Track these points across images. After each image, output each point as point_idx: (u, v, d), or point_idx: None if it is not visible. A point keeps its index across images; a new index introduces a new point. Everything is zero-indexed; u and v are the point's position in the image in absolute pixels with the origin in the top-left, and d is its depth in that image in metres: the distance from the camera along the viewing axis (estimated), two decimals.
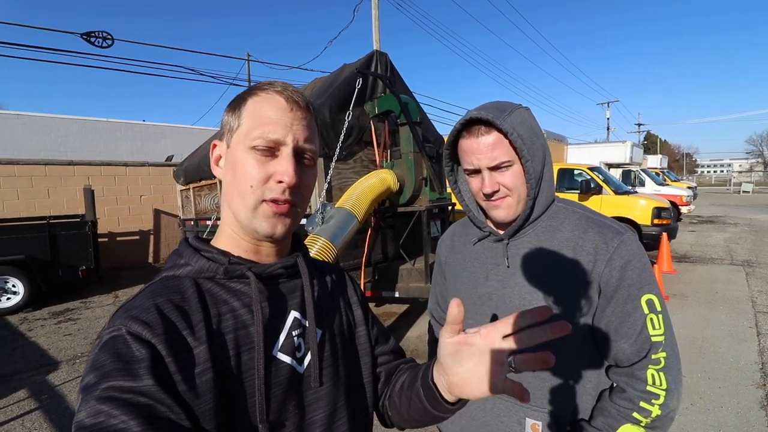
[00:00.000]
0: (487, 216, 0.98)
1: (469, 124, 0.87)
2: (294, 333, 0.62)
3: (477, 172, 0.89)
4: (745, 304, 5.12)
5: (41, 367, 4.14)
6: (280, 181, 0.59)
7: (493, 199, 0.89)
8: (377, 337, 0.80)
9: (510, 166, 0.86)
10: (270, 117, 0.59)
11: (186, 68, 9.29)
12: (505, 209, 0.89)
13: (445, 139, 4.83)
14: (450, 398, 0.59)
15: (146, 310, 0.53)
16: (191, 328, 0.54)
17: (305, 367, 0.62)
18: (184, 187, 7.01)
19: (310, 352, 0.63)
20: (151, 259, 10.28)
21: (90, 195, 7.29)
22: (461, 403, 0.61)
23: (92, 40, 7.20)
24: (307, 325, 0.64)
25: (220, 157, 0.65)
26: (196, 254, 0.61)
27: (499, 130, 0.84)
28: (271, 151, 0.59)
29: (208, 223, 5.68)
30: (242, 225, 0.61)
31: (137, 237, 10.06)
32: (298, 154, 0.61)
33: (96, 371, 0.47)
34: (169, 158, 11.76)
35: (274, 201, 0.59)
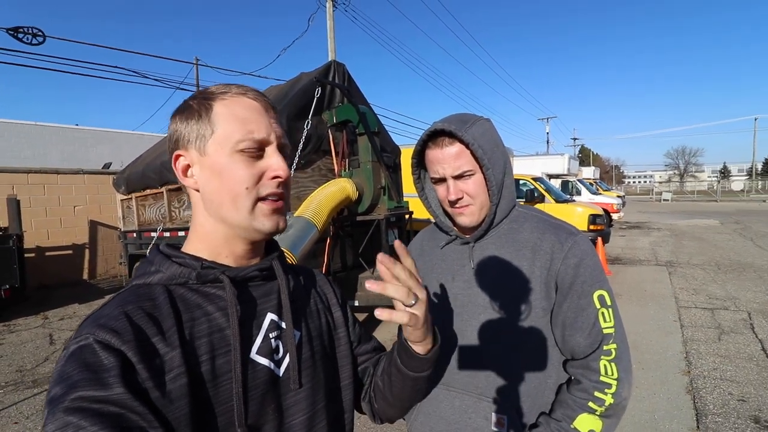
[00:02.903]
0: (453, 221, 1.03)
1: (435, 135, 0.92)
2: (271, 335, 0.62)
3: (443, 180, 0.94)
4: (669, 300, 5.68)
5: None
6: (275, 177, 0.60)
7: (457, 206, 0.95)
8: (359, 338, 0.82)
9: (472, 174, 0.91)
10: (248, 118, 0.60)
11: (128, 70, 8.78)
12: (468, 216, 0.95)
13: (402, 150, 4.95)
14: (420, 349, 0.66)
15: (115, 318, 0.51)
16: (162, 333, 0.53)
17: (283, 369, 0.62)
18: (125, 197, 6.56)
19: (288, 354, 0.63)
20: (86, 276, 9.42)
21: (15, 205, 6.60)
22: (434, 351, 0.68)
23: (20, 36, 6.60)
24: (285, 326, 0.64)
25: (189, 166, 0.62)
26: (167, 260, 0.60)
27: (462, 141, 0.89)
28: (257, 151, 0.60)
29: (153, 234, 5.36)
30: (237, 228, 0.61)
31: (70, 251, 9.20)
32: (280, 149, 0.63)
33: (63, 383, 0.46)
34: (107, 165, 10.93)
35: (270, 197, 0.60)
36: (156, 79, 9.45)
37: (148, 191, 5.79)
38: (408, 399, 0.74)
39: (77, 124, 14.89)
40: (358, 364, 0.80)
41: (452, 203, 0.94)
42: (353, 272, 4.59)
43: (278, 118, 0.65)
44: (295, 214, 3.58)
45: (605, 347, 0.89)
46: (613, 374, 0.88)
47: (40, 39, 6.96)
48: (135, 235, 6.26)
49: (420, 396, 0.75)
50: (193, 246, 0.63)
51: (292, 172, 3.86)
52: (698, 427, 2.77)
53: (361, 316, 5.54)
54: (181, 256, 0.61)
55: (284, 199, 0.63)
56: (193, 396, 0.52)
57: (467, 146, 0.89)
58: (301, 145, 3.94)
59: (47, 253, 8.83)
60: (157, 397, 0.49)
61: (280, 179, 0.60)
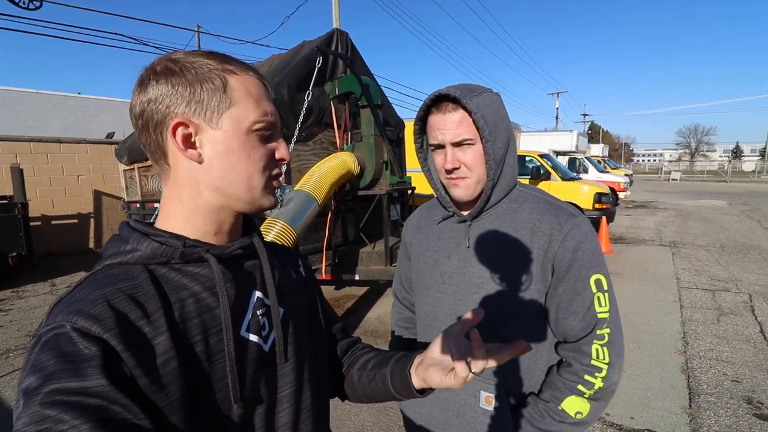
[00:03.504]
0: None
1: (439, 101, 0.90)
2: (258, 312, 0.63)
3: (441, 147, 0.92)
4: (670, 281, 5.67)
5: None
6: (282, 159, 0.64)
7: (453, 176, 0.92)
8: (330, 317, 0.84)
9: (472, 144, 0.89)
10: (262, 98, 0.61)
11: (128, 37, 8.57)
12: (463, 189, 0.93)
13: (406, 124, 4.85)
14: (419, 386, 0.67)
15: (93, 303, 0.48)
16: (148, 317, 0.51)
17: (270, 344, 0.64)
18: (128, 167, 6.55)
19: (274, 330, 0.64)
20: (92, 245, 9.56)
21: (18, 174, 6.63)
22: (427, 392, 0.69)
23: (17, 0, 6.42)
24: (270, 303, 0.65)
25: (190, 135, 0.57)
26: (146, 238, 0.57)
27: (465, 109, 0.86)
28: (268, 131, 0.62)
29: (156, 206, 5.37)
30: (242, 204, 0.61)
31: (76, 220, 9.30)
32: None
33: (37, 373, 0.43)
34: (110, 135, 10.88)
35: (277, 177, 0.64)
36: (156, 47, 9.23)
37: (149, 162, 5.75)
38: (378, 401, 0.79)
39: (79, 93, 14.76)
40: (332, 342, 0.83)
41: (448, 172, 0.92)
42: (354, 246, 4.59)
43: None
44: (295, 188, 3.55)
45: (599, 331, 0.89)
46: (604, 359, 0.89)
47: (38, 3, 6.77)
48: (138, 205, 6.28)
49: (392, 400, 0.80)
50: (174, 223, 0.60)
51: (293, 145, 3.80)
52: (690, 405, 2.81)
53: (360, 290, 5.60)
54: (160, 234, 0.58)
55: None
56: (186, 378, 0.51)
57: (470, 114, 0.86)
58: (301, 117, 3.86)
59: (53, 222, 8.92)
60: (146, 384, 0.48)
61: (284, 161, 0.64)
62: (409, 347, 1.18)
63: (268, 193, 0.63)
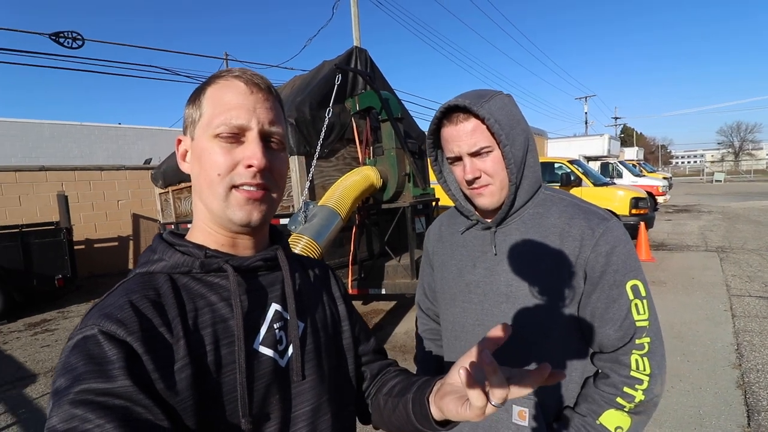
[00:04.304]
0: (473, 205, 0.98)
1: (449, 112, 0.88)
2: (275, 326, 0.61)
3: (459, 159, 0.89)
4: (719, 289, 5.29)
5: (18, 380, 3.99)
6: (250, 165, 0.57)
7: (475, 186, 0.89)
8: (359, 335, 0.79)
9: (490, 151, 0.86)
10: (231, 102, 0.57)
11: (161, 68, 9.06)
12: (488, 196, 0.90)
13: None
14: (439, 417, 0.58)
15: (120, 308, 0.51)
16: (168, 324, 0.52)
17: (287, 360, 0.61)
18: (162, 191, 6.85)
19: (291, 345, 0.62)
20: (131, 265, 10.01)
21: (64, 201, 7.05)
22: (450, 426, 0.60)
23: (61, 40, 6.95)
24: (288, 317, 0.63)
25: (186, 151, 0.62)
26: (170, 249, 0.59)
27: (477, 116, 0.84)
28: (236, 137, 0.57)
29: (189, 226, 5.56)
30: (216, 217, 0.60)
31: (116, 243, 9.78)
32: (264, 137, 0.60)
33: (67, 374, 0.46)
34: (147, 161, 11.47)
35: (245, 187, 0.57)
36: (187, 76, 9.71)
37: (182, 184, 6.00)
38: (405, 430, 0.70)
39: (120, 123, 15.70)
40: (361, 363, 0.79)
41: (469, 183, 0.89)
42: (379, 260, 4.56)
43: (276, 102, 0.62)
44: (318, 203, 3.58)
45: (638, 341, 0.83)
46: (645, 369, 0.83)
47: (80, 42, 7.30)
48: (173, 227, 6.54)
49: None
50: (194, 234, 0.63)
51: (315, 161, 3.85)
52: (749, 424, 2.56)
53: (388, 305, 5.54)
54: (184, 244, 0.60)
55: (266, 189, 0.59)
56: (198, 387, 0.52)
57: (483, 121, 0.83)
58: (323, 134, 3.92)
59: (95, 245, 9.43)
60: (163, 389, 0.49)
61: (253, 168, 0.57)
62: (435, 360, 1.14)
63: (235, 204, 0.58)
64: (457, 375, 0.53)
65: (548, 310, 0.86)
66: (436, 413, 0.59)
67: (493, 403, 0.46)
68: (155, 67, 8.93)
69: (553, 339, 0.88)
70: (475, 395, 0.46)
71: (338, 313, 0.75)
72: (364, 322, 0.83)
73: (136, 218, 10.09)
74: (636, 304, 0.83)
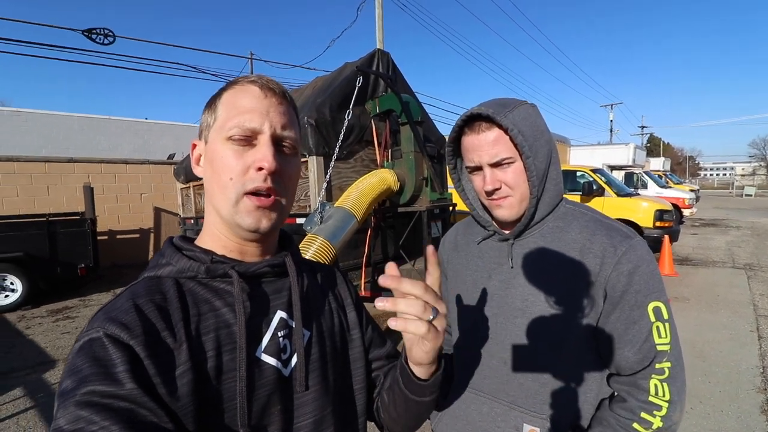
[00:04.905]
0: (491, 215, 0.96)
1: (471, 120, 0.86)
2: (280, 334, 0.60)
3: (479, 169, 0.87)
4: (746, 308, 5.08)
5: (38, 365, 4.12)
6: (260, 168, 0.56)
7: (494, 197, 0.88)
8: (372, 341, 0.78)
9: (511, 163, 0.84)
10: (245, 106, 0.58)
11: (187, 66, 9.27)
12: (507, 208, 0.88)
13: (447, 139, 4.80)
14: (420, 374, 0.62)
15: (126, 312, 0.51)
16: (171, 329, 0.52)
17: (290, 369, 0.60)
18: (184, 186, 7.00)
19: (296, 354, 0.61)
20: (151, 257, 10.24)
21: (89, 192, 7.27)
22: (434, 378, 0.64)
23: (93, 36, 7.18)
24: (294, 325, 0.62)
25: (200, 156, 0.63)
26: (178, 253, 0.60)
27: (500, 126, 0.82)
28: (248, 140, 0.58)
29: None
30: (225, 221, 0.60)
31: (137, 235, 10.05)
32: (276, 141, 0.59)
33: (74, 376, 0.46)
34: (171, 156, 11.74)
35: (257, 192, 0.57)
36: (213, 74, 9.92)
37: (203, 181, 6.10)
38: (413, 419, 0.71)
39: (146, 118, 16.13)
40: (372, 369, 0.77)
41: (489, 194, 0.87)
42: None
43: (290, 107, 0.62)
44: (335, 205, 3.59)
45: (657, 365, 0.80)
46: (664, 395, 0.80)
47: (111, 39, 7.52)
48: (193, 221, 6.67)
49: (425, 417, 0.72)
50: (204, 239, 0.63)
51: (333, 162, 3.86)
52: None
53: None
54: (192, 249, 0.61)
55: (276, 195, 0.59)
56: (198, 393, 0.51)
57: (506, 132, 0.81)
58: (342, 136, 3.93)
59: (118, 236, 9.70)
60: (165, 393, 0.49)
61: (264, 171, 0.57)
62: (445, 368, 1.11)
63: (244, 210, 0.57)
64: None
65: (564, 327, 0.84)
66: (417, 371, 0.63)
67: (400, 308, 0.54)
68: (182, 64, 9.15)
69: (568, 357, 0.85)
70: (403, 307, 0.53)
71: (347, 321, 0.74)
72: (378, 327, 0.82)
73: (158, 212, 10.33)
74: (657, 327, 0.81)
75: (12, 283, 6.28)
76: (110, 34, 7.37)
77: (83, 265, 6.80)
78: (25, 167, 8.62)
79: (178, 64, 9.65)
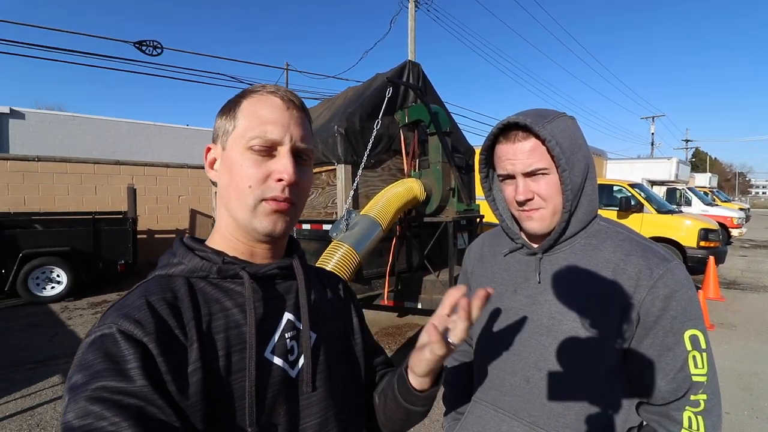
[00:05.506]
0: (520, 227, 0.93)
1: (507, 129, 0.84)
2: (287, 335, 0.61)
3: (511, 177, 0.85)
4: None
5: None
6: (280, 179, 0.58)
7: (526, 208, 0.85)
8: (372, 348, 0.79)
9: (546, 174, 0.82)
10: (267, 117, 0.59)
11: (227, 76, 9.69)
12: (538, 221, 0.85)
13: (477, 151, 4.74)
14: (417, 385, 0.65)
15: (138, 308, 0.52)
16: (183, 327, 0.53)
17: (297, 371, 0.61)
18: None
19: (303, 356, 0.62)
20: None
21: (132, 193, 7.68)
22: (430, 392, 0.66)
23: (143, 48, 7.63)
24: (301, 327, 0.63)
25: (215, 160, 0.64)
26: (190, 253, 0.61)
27: (537, 137, 0.80)
28: (269, 151, 0.59)
29: None
30: (241, 225, 0.61)
31: (173, 235, 10.47)
32: (295, 153, 0.61)
33: (84, 371, 0.46)
34: None
35: (274, 199, 0.59)
36: (250, 84, 10.30)
37: None
38: (400, 424, 0.72)
39: (187, 125, 16.90)
40: (371, 374, 0.78)
41: (520, 204, 0.85)
42: (418, 274, 4.50)
43: (306, 119, 0.64)
44: (361, 213, 3.60)
45: (692, 397, 0.76)
46: (699, 429, 0.76)
47: (159, 51, 7.98)
48: None
49: (411, 425, 0.74)
50: (215, 240, 0.64)
51: (360, 170, 3.89)
52: None
53: (423, 319, 5.44)
54: (203, 249, 0.62)
55: (291, 203, 0.61)
56: (208, 392, 0.52)
57: (543, 142, 0.79)
58: (370, 144, 3.96)
59: (156, 236, 10.16)
60: (175, 391, 0.49)
61: (283, 182, 0.59)
62: (464, 380, 1.09)
63: (261, 214, 0.59)
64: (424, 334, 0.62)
65: (592, 350, 0.80)
66: (413, 381, 0.65)
67: (451, 340, 0.60)
68: (222, 74, 9.56)
69: (595, 380, 0.81)
70: (430, 332, 0.60)
71: (351, 325, 0.75)
72: (372, 336, 0.84)
73: (194, 214, 10.76)
74: (694, 356, 0.76)
75: (58, 276, 6.71)
76: (159, 46, 7.82)
77: (123, 262, 7.18)
78: (76, 167, 9.21)
79: (218, 74, 10.10)
